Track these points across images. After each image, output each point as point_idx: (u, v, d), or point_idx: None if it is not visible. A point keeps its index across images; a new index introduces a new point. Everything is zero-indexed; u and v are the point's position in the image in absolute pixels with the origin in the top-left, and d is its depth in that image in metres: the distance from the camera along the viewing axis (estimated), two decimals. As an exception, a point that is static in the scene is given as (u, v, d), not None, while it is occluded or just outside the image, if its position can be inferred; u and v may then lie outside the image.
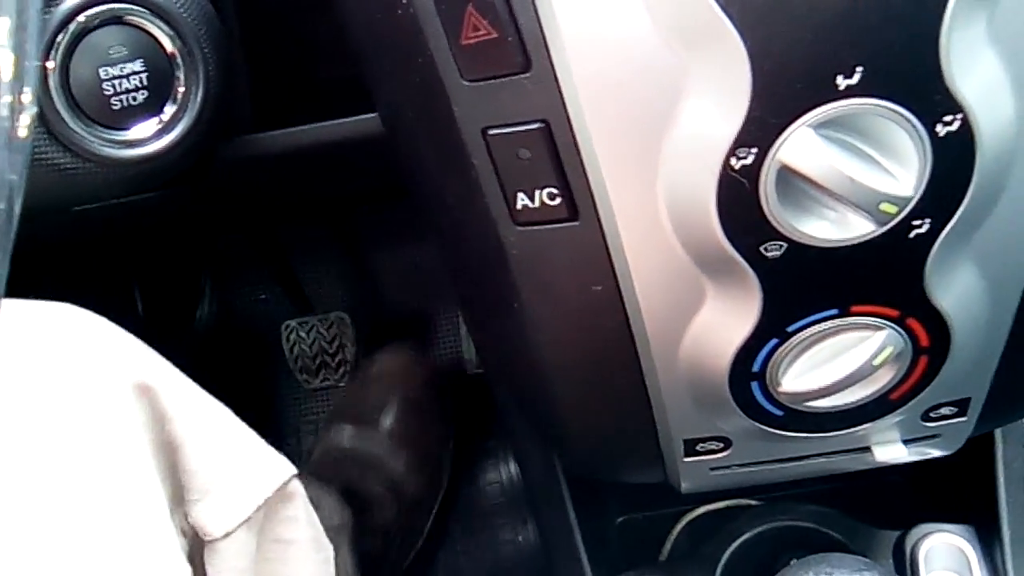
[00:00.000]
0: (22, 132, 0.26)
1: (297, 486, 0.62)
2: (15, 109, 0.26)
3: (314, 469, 1.13)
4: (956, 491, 0.82)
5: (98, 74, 0.51)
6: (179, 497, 0.57)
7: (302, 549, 0.64)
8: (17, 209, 0.25)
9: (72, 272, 1.24)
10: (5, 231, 0.25)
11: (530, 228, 0.49)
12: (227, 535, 0.57)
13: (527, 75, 0.45)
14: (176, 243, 1.35)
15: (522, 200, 0.48)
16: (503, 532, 1.29)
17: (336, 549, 0.88)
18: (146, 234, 1.13)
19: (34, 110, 0.27)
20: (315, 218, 1.44)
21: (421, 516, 1.20)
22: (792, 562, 0.63)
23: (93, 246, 1.18)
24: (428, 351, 1.29)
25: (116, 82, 0.52)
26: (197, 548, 0.58)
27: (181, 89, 0.53)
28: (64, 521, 0.50)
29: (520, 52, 0.44)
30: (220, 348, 1.42)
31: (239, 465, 0.59)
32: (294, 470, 0.61)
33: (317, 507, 0.87)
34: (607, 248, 0.49)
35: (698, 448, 0.59)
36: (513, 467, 1.30)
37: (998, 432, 0.75)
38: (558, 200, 0.48)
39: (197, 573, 0.57)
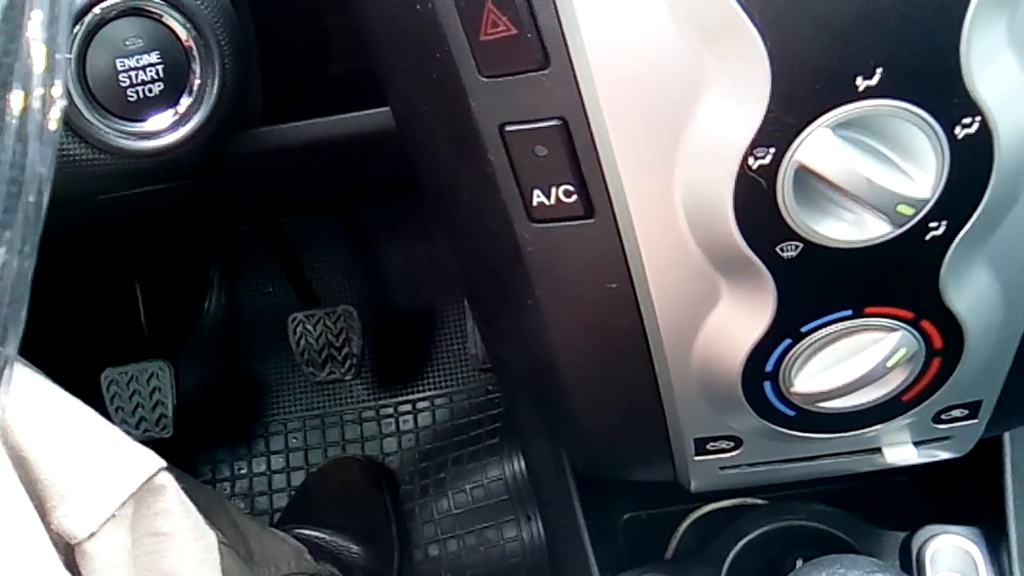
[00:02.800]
0: (52, 125, 0.26)
1: (167, 479, 0.61)
2: (46, 102, 0.26)
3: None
4: (963, 493, 0.81)
5: (114, 65, 0.51)
6: (42, 508, 0.55)
7: (180, 539, 0.62)
8: (46, 201, 0.25)
9: (75, 264, 1.24)
10: (35, 224, 0.25)
11: (546, 225, 0.49)
12: (92, 535, 0.55)
13: (545, 72, 0.45)
14: (186, 236, 1.35)
15: (538, 197, 0.48)
16: (508, 529, 1.29)
17: None
18: (157, 227, 1.13)
19: (64, 103, 0.27)
20: (323, 212, 1.44)
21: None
22: (798, 562, 0.63)
23: (100, 239, 1.18)
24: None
25: (132, 74, 0.52)
26: (71, 555, 0.56)
27: (197, 81, 0.53)
28: None
29: (539, 49, 0.44)
30: (227, 340, 1.42)
31: (97, 464, 0.57)
32: (161, 463, 0.60)
33: (264, 558, 0.88)
34: (622, 246, 0.49)
35: (709, 447, 0.59)
36: (517, 464, 1.30)
37: (1007, 434, 0.75)
38: (574, 197, 0.48)
39: None
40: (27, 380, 0.57)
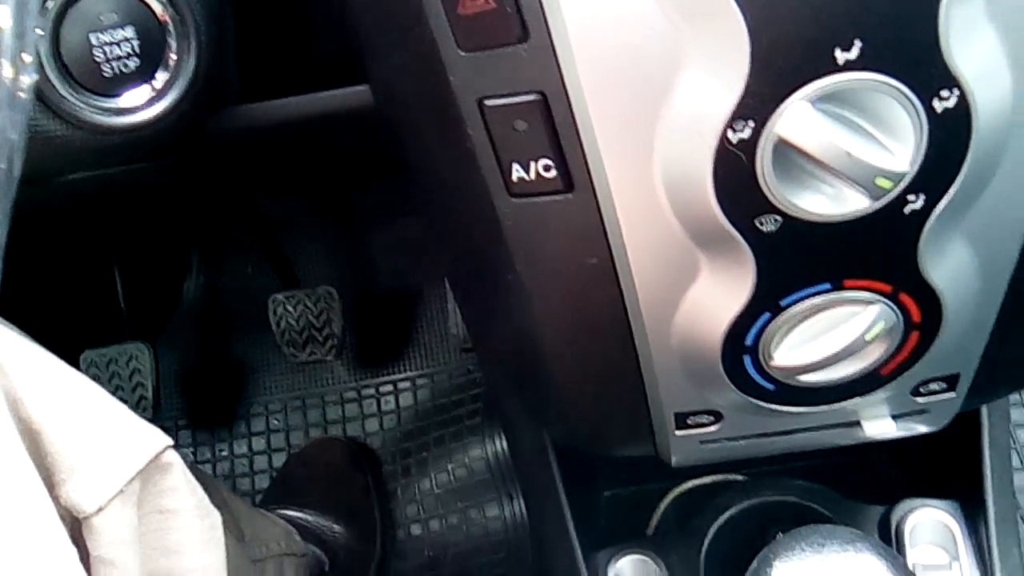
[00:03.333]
0: (23, 92, 0.26)
1: (173, 456, 0.61)
2: (17, 68, 0.25)
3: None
4: (941, 467, 0.82)
5: (89, 40, 0.51)
6: (50, 481, 0.54)
7: (185, 517, 0.62)
8: (17, 169, 0.25)
9: (54, 246, 1.23)
10: (6, 191, 0.25)
11: (525, 200, 0.49)
12: (100, 510, 0.55)
13: (524, 46, 0.45)
14: (165, 217, 1.34)
15: (517, 171, 0.48)
16: (490, 508, 1.29)
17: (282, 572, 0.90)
18: (135, 207, 1.12)
19: (35, 71, 0.27)
20: (302, 193, 1.43)
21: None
22: (779, 536, 0.64)
23: (78, 220, 1.17)
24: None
25: (107, 48, 0.51)
26: (76, 529, 0.56)
27: (173, 56, 0.53)
28: None
29: (518, 22, 0.44)
30: (208, 322, 1.42)
31: (106, 440, 0.57)
32: (168, 441, 0.60)
33: (255, 538, 0.89)
34: (602, 220, 0.49)
35: (689, 421, 0.59)
36: (499, 443, 1.30)
37: (984, 408, 0.76)
38: (553, 172, 0.48)
39: (80, 554, 0.54)
40: (34, 354, 0.56)
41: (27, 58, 0.26)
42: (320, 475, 1.29)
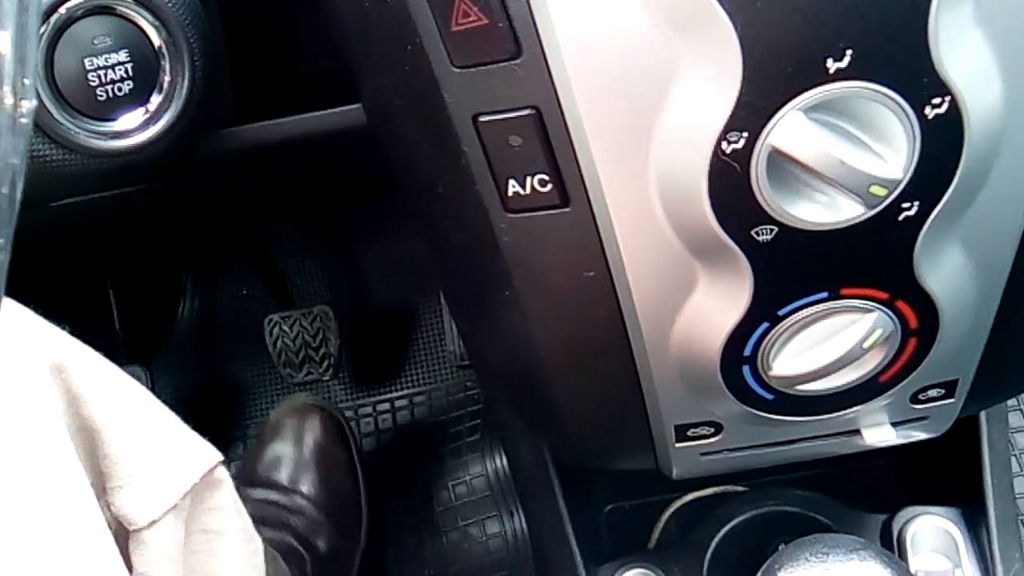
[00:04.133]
0: (24, 118, 0.26)
1: (224, 473, 0.60)
2: (17, 93, 0.25)
3: None
4: (941, 474, 0.82)
5: (83, 64, 0.51)
6: (102, 485, 0.54)
7: (230, 540, 0.62)
8: (19, 193, 0.25)
9: (48, 271, 1.23)
10: (8, 217, 0.25)
11: (521, 215, 0.49)
12: (153, 524, 0.54)
13: (517, 61, 0.45)
14: (158, 240, 1.34)
15: (513, 187, 0.48)
16: (490, 525, 1.28)
17: None
18: (129, 230, 1.12)
19: (35, 95, 0.27)
20: (296, 213, 1.43)
21: (342, 566, 1.18)
22: (781, 546, 0.64)
23: (71, 243, 1.17)
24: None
25: (101, 72, 0.51)
26: (122, 538, 0.55)
27: (167, 79, 0.53)
28: None
29: (510, 38, 0.44)
30: (203, 344, 1.41)
31: (163, 450, 0.56)
32: (220, 456, 0.59)
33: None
34: (599, 234, 0.49)
35: (689, 433, 0.59)
36: (499, 460, 1.30)
37: (982, 414, 0.76)
38: (549, 187, 0.48)
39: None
40: (94, 357, 0.56)
41: (27, 82, 0.26)
42: (300, 453, 1.21)
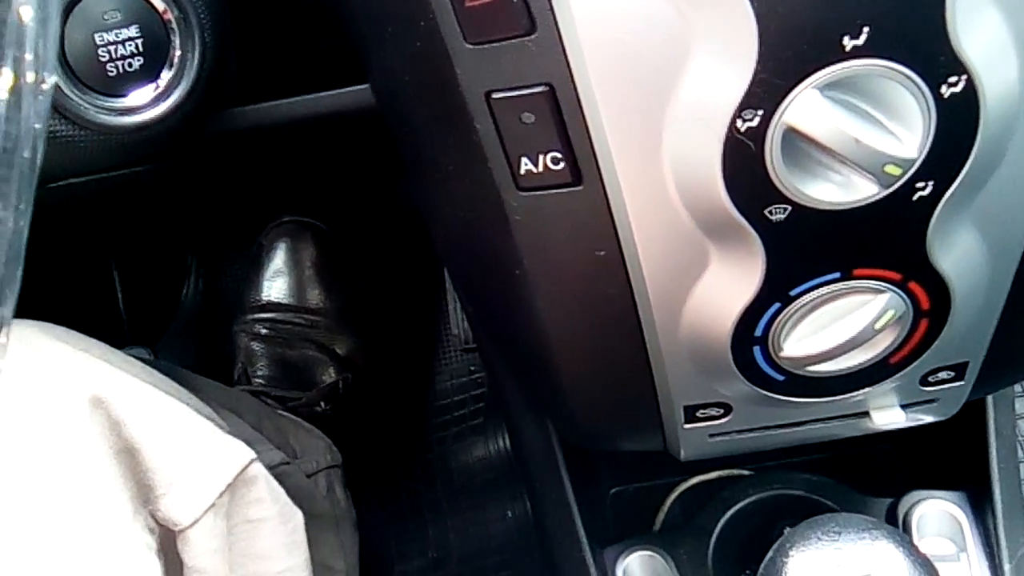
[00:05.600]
0: (45, 84, 0.26)
1: (258, 468, 0.65)
2: (39, 59, 0.25)
3: (245, 363, 1.17)
4: (947, 459, 0.82)
5: (93, 40, 0.51)
6: (145, 496, 0.60)
7: (271, 525, 0.67)
8: (40, 158, 0.25)
9: (52, 251, 1.23)
10: (30, 180, 0.25)
11: (533, 193, 0.49)
12: (195, 522, 0.60)
13: (531, 37, 0.45)
14: (163, 221, 1.34)
15: (525, 165, 0.48)
16: (493, 509, 1.29)
17: (329, 489, 0.92)
18: (133, 211, 1.12)
19: (56, 68, 0.27)
20: (300, 196, 1.43)
21: (363, 366, 1.23)
22: (786, 531, 0.64)
23: (77, 225, 1.17)
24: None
25: (112, 48, 0.51)
26: (170, 540, 0.61)
27: (177, 54, 0.52)
28: (26, 535, 0.53)
29: (525, 14, 0.44)
30: (208, 326, 1.41)
31: (198, 456, 0.62)
32: (252, 455, 0.64)
33: (304, 452, 0.89)
34: (611, 213, 0.49)
35: (698, 415, 0.59)
36: (503, 443, 1.30)
37: (990, 398, 0.76)
38: (562, 164, 0.48)
39: (172, 563, 0.61)
40: (128, 382, 0.61)
41: (50, 49, 0.26)
42: (301, 271, 1.22)
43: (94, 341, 0.65)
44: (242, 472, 0.64)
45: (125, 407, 0.59)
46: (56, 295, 1.25)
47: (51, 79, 0.27)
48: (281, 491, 0.69)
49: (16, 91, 0.25)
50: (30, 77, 0.25)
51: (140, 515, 0.59)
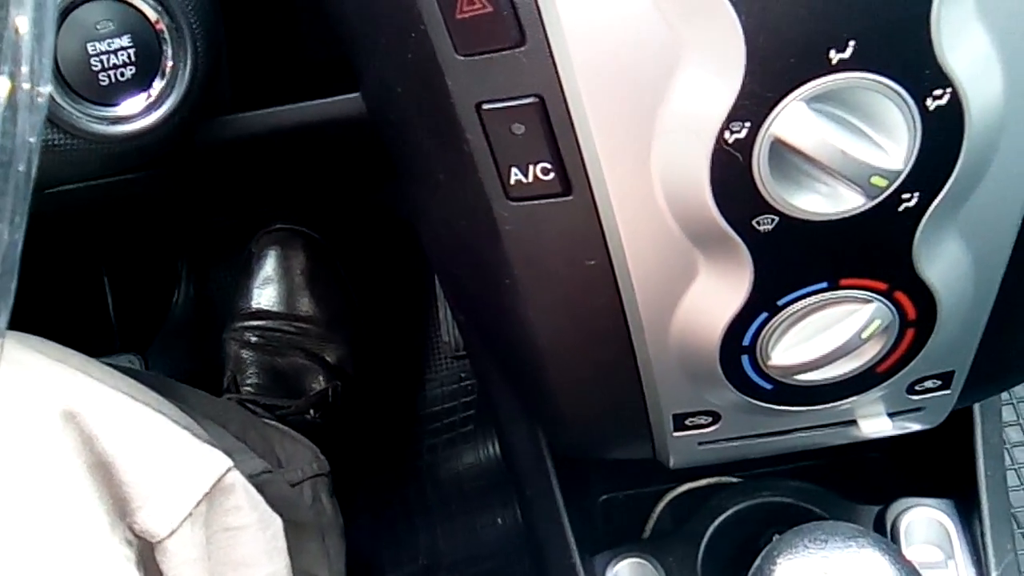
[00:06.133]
0: (40, 97, 0.26)
1: (236, 476, 0.65)
2: (35, 73, 0.25)
3: (234, 371, 1.17)
4: (935, 467, 0.83)
5: (85, 49, 0.51)
6: (121, 510, 0.59)
7: (250, 532, 0.67)
8: (34, 171, 0.25)
9: (43, 258, 1.22)
10: (25, 193, 0.25)
11: (523, 203, 0.49)
12: (172, 533, 0.60)
13: (522, 49, 0.45)
14: (154, 228, 1.34)
15: (516, 175, 0.48)
16: (483, 515, 1.29)
17: (315, 498, 0.92)
18: (125, 218, 1.12)
19: (51, 79, 0.27)
20: (293, 205, 1.43)
21: (352, 374, 1.23)
22: (775, 537, 0.64)
23: (67, 231, 1.17)
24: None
25: (104, 57, 0.51)
26: (149, 552, 0.61)
27: (169, 63, 0.53)
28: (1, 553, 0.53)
29: (515, 26, 0.44)
30: (198, 333, 1.41)
31: (173, 467, 0.61)
32: (229, 463, 0.64)
33: (290, 460, 0.90)
34: (600, 223, 0.49)
35: (687, 423, 0.60)
36: (492, 451, 1.30)
37: (976, 407, 0.77)
38: (552, 175, 0.48)
39: (153, 574, 0.61)
40: (102, 394, 0.61)
41: (45, 63, 0.27)
42: (291, 279, 1.23)
43: (71, 351, 0.64)
44: (219, 481, 0.63)
45: (98, 421, 0.59)
46: (47, 302, 1.25)
47: (46, 91, 0.27)
48: (260, 498, 0.69)
49: (12, 104, 0.25)
50: (25, 89, 0.26)
51: (118, 528, 0.59)
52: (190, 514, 0.61)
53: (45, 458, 0.56)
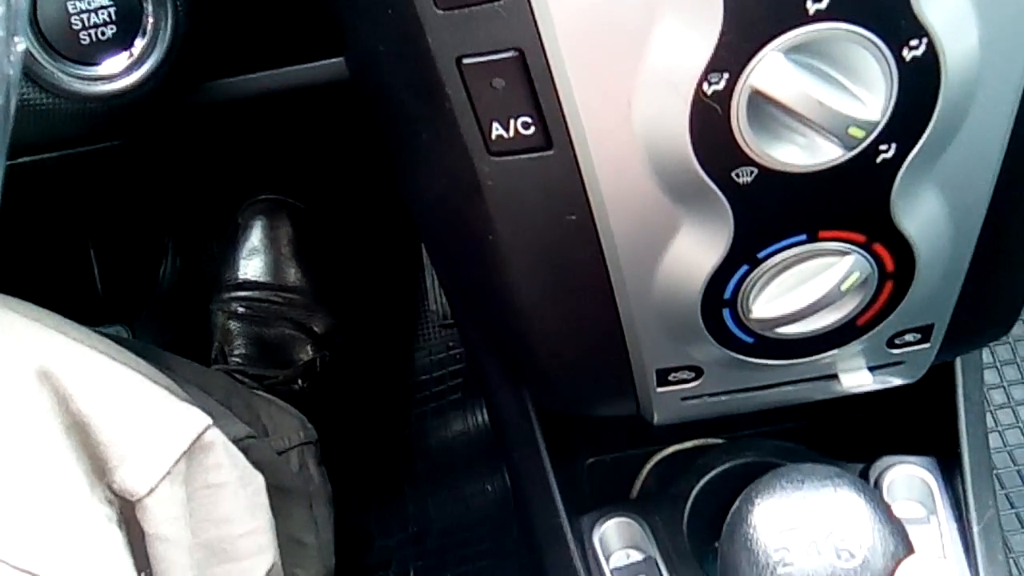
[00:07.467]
0: (19, 31, 0.26)
1: (215, 434, 0.65)
2: (11, 7, 0.25)
3: (221, 342, 1.18)
4: (918, 426, 0.84)
5: (66, 8, 0.51)
6: (100, 469, 0.60)
7: (231, 489, 0.67)
8: (14, 104, 0.25)
9: (29, 232, 1.22)
10: (3, 126, 0.26)
11: (504, 158, 0.50)
12: (151, 492, 0.60)
13: (501, 3, 0.45)
14: (140, 201, 1.34)
15: (496, 130, 0.49)
16: (472, 483, 1.30)
17: (302, 465, 0.93)
18: (110, 188, 1.12)
19: (27, 10, 0.27)
20: (275, 181, 1.43)
21: (340, 343, 1.24)
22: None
23: (53, 205, 1.16)
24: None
25: (84, 16, 0.51)
26: (129, 511, 0.61)
27: (151, 21, 0.53)
28: None
29: (494, -21, 0.45)
30: (184, 306, 1.41)
31: (151, 425, 0.61)
32: (208, 421, 0.64)
33: (276, 429, 0.90)
34: (581, 177, 0.50)
35: (670, 378, 0.60)
36: (481, 419, 1.31)
37: (958, 365, 0.77)
38: (532, 129, 0.48)
39: (135, 532, 0.61)
40: (78, 352, 0.61)
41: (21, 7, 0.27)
42: (277, 250, 1.24)
43: (47, 312, 0.64)
44: (198, 439, 0.64)
45: (73, 380, 0.59)
46: (33, 274, 1.25)
47: (24, 29, 0.27)
48: (240, 456, 0.69)
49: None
50: (2, 24, 0.26)
51: (97, 488, 0.59)
52: (169, 472, 0.61)
53: (22, 419, 0.56)
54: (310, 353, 1.18)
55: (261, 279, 1.20)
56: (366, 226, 1.39)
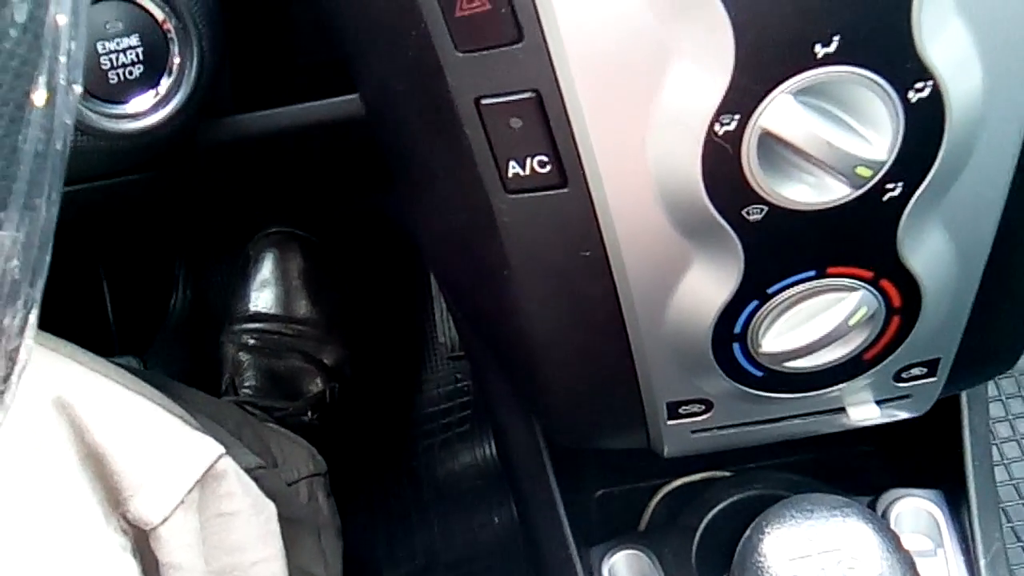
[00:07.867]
0: (77, 83, 0.27)
1: (228, 463, 0.66)
2: (71, 58, 0.27)
3: (232, 374, 1.19)
4: (925, 459, 0.84)
5: (95, 48, 0.52)
6: (114, 499, 0.60)
7: (243, 517, 0.68)
8: (68, 151, 0.27)
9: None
10: (60, 172, 0.27)
11: (521, 196, 0.51)
12: (165, 520, 0.61)
13: (519, 46, 0.46)
14: (151, 231, 1.35)
15: (513, 168, 0.50)
16: (480, 515, 1.30)
17: (311, 497, 0.93)
18: (124, 221, 1.12)
19: (83, 60, 0.29)
20: (286, 213, 1.44)
21: (350, 374, 1.24)
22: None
23: (67, 235, 1.17)
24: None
25: (113, 56, 0.52)
26: (143, 540, 0.62)
27: (176, 62, 0.54)
28: None
29: (512, 23, 0.46)
30: (196, 336, 1.42)
31: (165, 454, 0.62)
32: (221, 450, 0.65)
33: (286, 460, 0.91)
34: (595, 214, 0.51)
35: (681, 411, 0.61)
36: (489, 451, 1.31)
37: (964, 399, 0.78)
38: (548, 168, 0.50)
39: (149, 561, 0.61)
40: (94, 383, 0.62)
41: (79, 48, 0.28)
42: (288, 282, 1.25)
43: (61, 340, 0.65)
44: (211, 467, 0.64)
45: (89, 410, 0.59)
46: (45, 303, 1.26)
47: (79, 79, 0.29)
48: (252, 484, 0.70)
49: (51, 87, 0.27)
50: (63, 74, 0.27)
51: (112, 518, 0.60)
52: (183, 501, 0.62)
53: (39, 449, 0.57)
54: (320, 385, 1.19)
55: (272, 311, 1.21)
56: (376, 259, 1.40)
